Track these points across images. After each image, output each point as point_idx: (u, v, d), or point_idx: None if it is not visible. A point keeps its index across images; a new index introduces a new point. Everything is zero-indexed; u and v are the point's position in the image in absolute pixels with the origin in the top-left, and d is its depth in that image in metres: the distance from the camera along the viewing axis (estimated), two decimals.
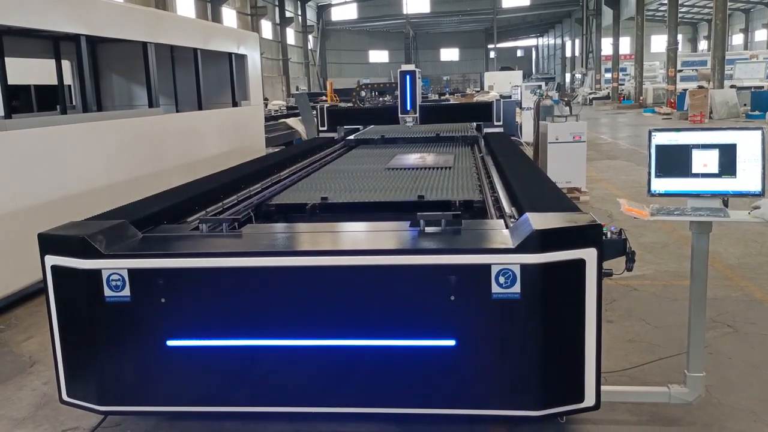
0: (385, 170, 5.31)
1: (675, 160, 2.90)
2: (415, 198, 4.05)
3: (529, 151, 9.94)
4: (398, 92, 7.95)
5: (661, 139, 2.92)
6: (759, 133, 2.81)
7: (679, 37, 31.06)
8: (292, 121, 15.92)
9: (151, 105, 7.74)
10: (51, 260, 2.89)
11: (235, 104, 10.08)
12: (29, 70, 9.20)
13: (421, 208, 3.61)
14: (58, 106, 9.00)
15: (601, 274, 2.68)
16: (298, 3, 48.64)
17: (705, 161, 2.86)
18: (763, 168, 2.81)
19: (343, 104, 14.04)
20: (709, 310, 3.53)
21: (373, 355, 2.77)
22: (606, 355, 3.15)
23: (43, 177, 5.63)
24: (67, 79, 9.19)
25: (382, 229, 3.15)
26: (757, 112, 20.81)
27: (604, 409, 2.98)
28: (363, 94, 11.78)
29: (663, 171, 2.93)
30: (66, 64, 8.75)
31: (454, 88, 45.53)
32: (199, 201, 3.98)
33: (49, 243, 2.91)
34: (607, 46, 41.49)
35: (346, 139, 8.09)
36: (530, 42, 73.64)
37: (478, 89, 32.62)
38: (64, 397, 3.05)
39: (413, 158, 6.05)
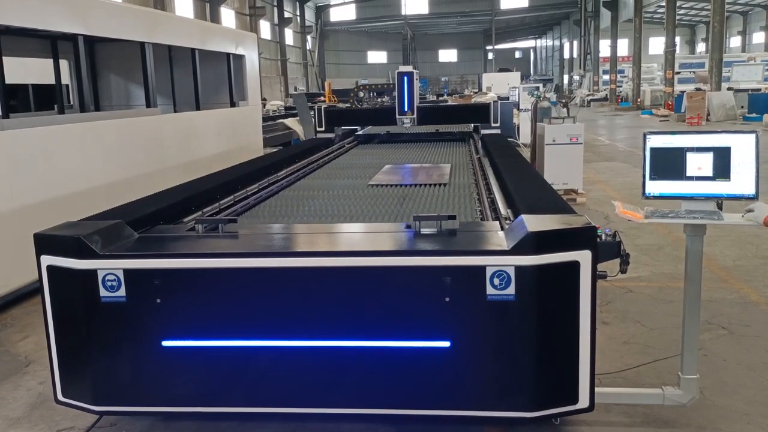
0: (367, 187, 4.71)
1: (669, 163, 2.91)
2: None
3: (527, 153, 9.97)
4: (396, 93, 8.00)
5: (656, 141, 2.93)
6: (753, 136, 2.83)
7: (677, 39, 31.08)
8: (290, 122, 15.94)
9: (148, 105, 7.74)
10: (47, 260, 2.89)
11: (232, 104, 10.08)
12: (27, 70, 9.20)
13: None
14: (55, 106, 9.00)
15: (596, 276, 2.69)
16: (297, 3, 48.65)
17: (699, 164, 2.88)
18: (757, 171, 2.82)
19: (341, 105, 14.04)
20: (704, 312, 3.55)
21: (368, 356, 2.77)
22: (601, 357, 3.17)
23: (41, 176, 5.63)
24: (65, 79, 9.19)
25: (378, 230, 3.17)
26: (754, 115, 20.87)
27: (599, 411, 2.99)
28: (361, 94, 11.80)
29: (657, 174, 2.94)
30: (64, 64, 8.75)
31: (453, 89, 45.74)
32: (195, 201, 3.98)
33: (45, 243, 2.90)
34: (605, 47, 41.55)
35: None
36: (528, 43, 73.77)
37: (476, 90, 32.65)
38: (60, 397, 3.05)
39: (402, 172, 5.43)
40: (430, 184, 4.64)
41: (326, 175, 5.57)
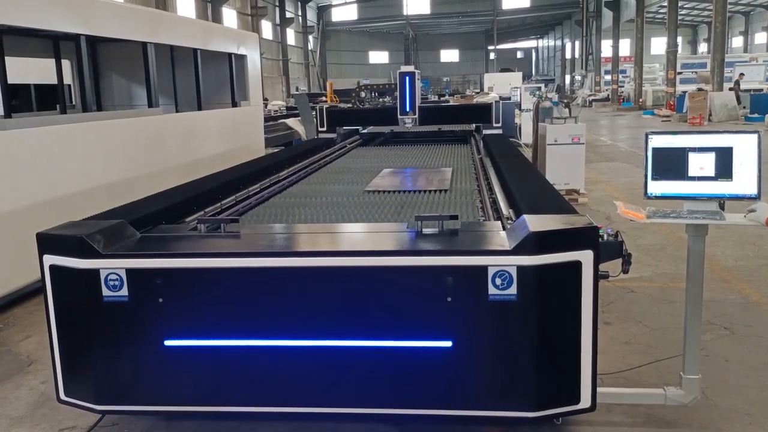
0: (363, 193, 4.51)
1: (671, 163, 2.91)
2: None
3: (528, 153, 9.96)
4: (398, 93, 8.02)
5: (658, 141, 2.93)
6: (755, 136, 2.82)
7: (679, 39, 31.07)
8: (291, 122, 15.95)
9: (150, 105, 7.74)
10: (49, 260, 2.89)
11: (234, 104, 10.09)
12: (29, 70, 9.21)
13: None
14: (57, 106, 9.01)
15: (598, 276, 2.69)
16: (299, 3, 48.68)
17: (701, 164, 2.88)
18: (759, 171, 2.82)
19: (342, 105, 14.05)
20: (705, 312, 3.54)
21: (370, 355, 2.77)
22: (602, 357, 3.16)
23: (42, 176, 5.64)
24: (67, 79, 9.20)
25: (380, 230, 3.17)
26: (756, 115, 20.83)
27: (600, 411, 2.99)
28: (363, 95, 11.78)
29: (659, 174, 2.94)
30: (66, 64, 8.75)
31: (454, 89, 45.78)
32: (197, 201, 3.99)
33: (47, 242, 2.91)
34: (606, 48, 41.53)
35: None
36: (530, 43, 73.71)
37: (478, 90, 32.67)
38: (62, 396, 3.05)
39: (401, 176, 5.20)
40: (430, 190, 4.45)
41: (321, 180, 5.34)
